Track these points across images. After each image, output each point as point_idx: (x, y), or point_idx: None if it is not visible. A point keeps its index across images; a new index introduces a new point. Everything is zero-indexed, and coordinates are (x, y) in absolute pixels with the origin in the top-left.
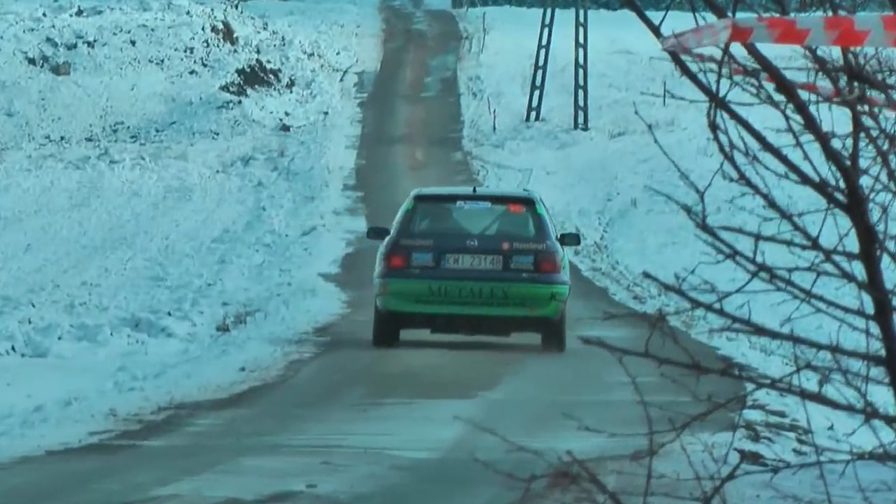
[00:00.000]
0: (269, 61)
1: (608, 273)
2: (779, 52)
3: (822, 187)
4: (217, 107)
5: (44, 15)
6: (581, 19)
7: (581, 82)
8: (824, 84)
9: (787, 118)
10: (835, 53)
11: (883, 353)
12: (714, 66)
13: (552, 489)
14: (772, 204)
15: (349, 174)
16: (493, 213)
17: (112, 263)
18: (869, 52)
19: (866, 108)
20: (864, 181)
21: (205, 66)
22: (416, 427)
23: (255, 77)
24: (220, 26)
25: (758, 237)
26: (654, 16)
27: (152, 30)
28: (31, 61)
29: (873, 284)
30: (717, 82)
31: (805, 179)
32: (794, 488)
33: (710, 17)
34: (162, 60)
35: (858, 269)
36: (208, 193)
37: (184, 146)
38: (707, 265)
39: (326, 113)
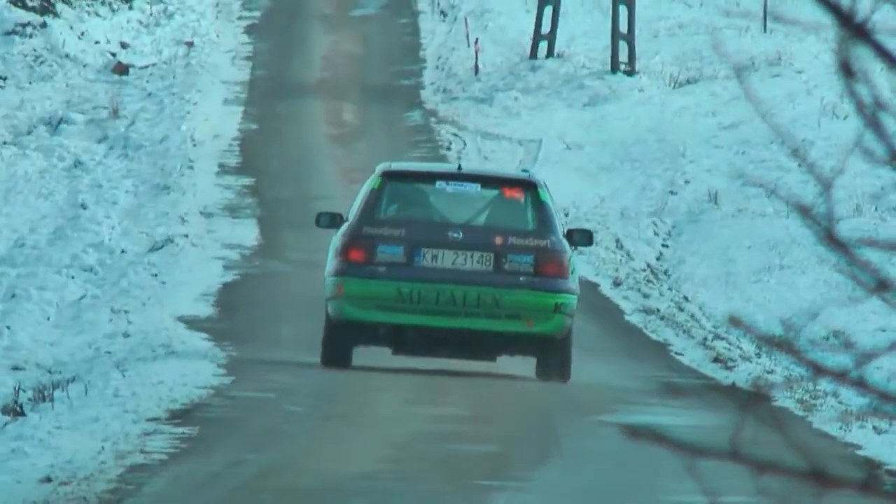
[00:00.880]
0: None
1: (670, 317)
2: None
3: None
4: (5, 32)
5: None
6: None
7: None
8: None
9: None
10: None
11: None
12: None
13: None
14: None
15: (229, 148)
16: (483, 198)
17: None
18: None
19: None
20: None
21: None
22: None
23: None
24: None
25: None
26: None
27: None
28: None
29: None
30: None
31: None
32: None
33: None
34: None
35: None
36: None
37: None
38: (838, 305)
39: (191, 44)
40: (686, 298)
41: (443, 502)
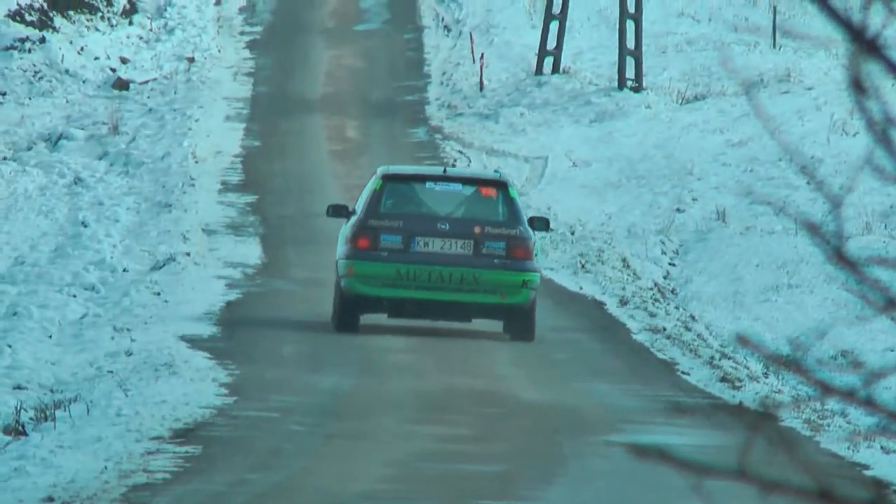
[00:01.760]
0: None
1: (677, 336)
2: None
3: None
4: (3, 48)
5: None
6: None
7: (631, 9)
8: None
9: None
10: None
11: None
12: None
13: None
14: None
15: (231, 165)
16: (463, 195)
17: None
18: None
19: None
20: None
21: None
22: None
23: None
24: None
25: None
26: None
27: None
28: None
29: None
30: (867, 5)
31: None
32: None
33: None
34: None
35: None
36: None
37: None
38: (846, 324)
39: (192, 59)
40: (693, 317)
41: None
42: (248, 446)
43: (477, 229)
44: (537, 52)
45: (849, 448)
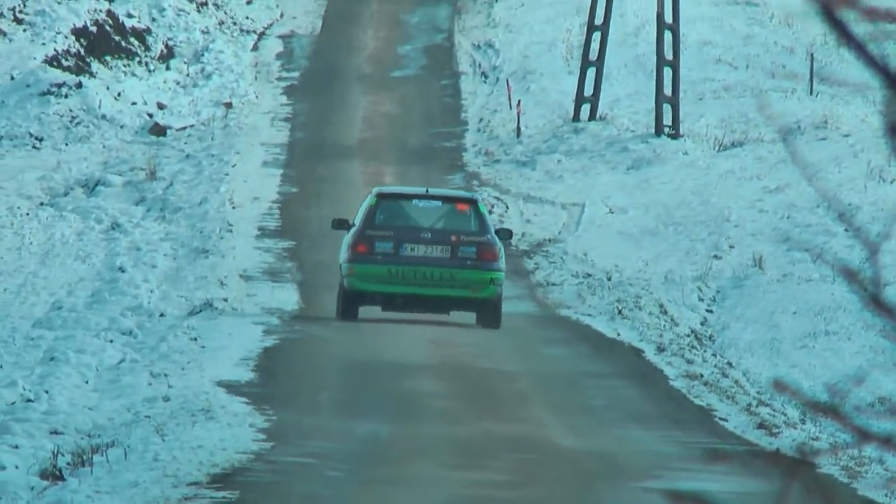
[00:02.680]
0: (130, 15)
1: (714, 383)
2: None
3: None
4: (41, 93)
5: None
6: None
7: (669, 56)
8: None
9: None
10: None
11: None
12: None
13: None
14: None
15: (268, 210)
16: (442, 210)
17: None
18: None
19: None
20: None
21: (19, 22)
22: None
23: (105, 42)
24: None
25: None
26: None
27: None
28: None
29: None
30: None
31: None
32: None
33: None
34: None
35: None
36: (25, 242)
37: None
38: (884, 370)
39: (230, 105)
40: (730, 364)
41: None
42: (285, 492)
43: (453, 237)
44: (574, 98)
45: (886, 495)
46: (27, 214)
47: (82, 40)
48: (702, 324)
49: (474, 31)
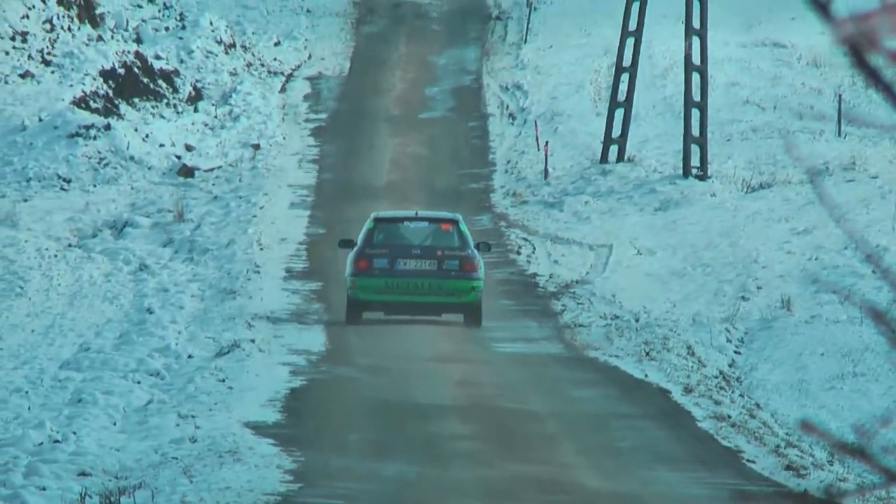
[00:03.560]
0: (158, 56)
1: (742, 424)
2: None
3: None
4: (69, 135)
5: None
6: None
7: (696, 97)
8: None
9: None
10: None
11: None
12: None
13: None
14: None
15: (296, 252)
16: (430, 229)
17: None
18: None
19: None
20: None
21: (47, 63)
22: None
23: (133, 84)
24: None
25: None
26: None
27: None
28: None
29: None
30: None
31: None
32: None
33: None
34: None
35: None
36: (53, 284)
37: (9, 202)
38: None
39: (257, 146)
40: (758, 405)
41: None
42: None
43: (439, 252)
44: (602, 140)
45: None
46: (55, 256)
47: (110, 82)
48: (730, 365)
49: (502, 72)
